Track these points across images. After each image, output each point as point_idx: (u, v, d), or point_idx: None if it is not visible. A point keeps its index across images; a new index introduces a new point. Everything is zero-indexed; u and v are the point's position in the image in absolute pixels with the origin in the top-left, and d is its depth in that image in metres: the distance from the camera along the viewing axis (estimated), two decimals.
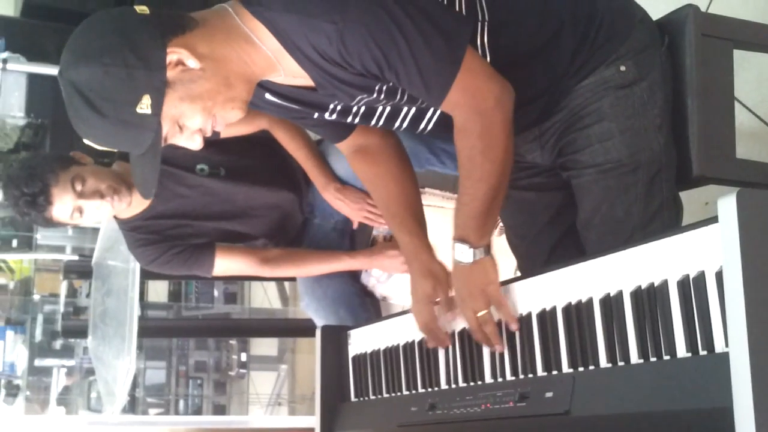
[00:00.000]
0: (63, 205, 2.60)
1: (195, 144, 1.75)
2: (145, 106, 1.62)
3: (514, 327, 1.66)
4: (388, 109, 1.90)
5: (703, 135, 1.91)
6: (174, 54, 1.63)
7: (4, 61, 3.86)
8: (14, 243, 5.18)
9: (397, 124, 1.96)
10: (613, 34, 1.88)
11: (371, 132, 2.07)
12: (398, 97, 1.80)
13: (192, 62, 1.65)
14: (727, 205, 1.19)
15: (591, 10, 1.88)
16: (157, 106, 1.63)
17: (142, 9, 1.66)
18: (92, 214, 2.66)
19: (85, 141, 1.71)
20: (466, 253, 1.76)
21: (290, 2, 1.64)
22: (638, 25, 1.91)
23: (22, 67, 3.92)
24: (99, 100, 1.62)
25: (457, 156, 1.77)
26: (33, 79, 4.15)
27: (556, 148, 1.97)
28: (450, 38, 1.68)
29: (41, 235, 5.17)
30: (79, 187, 2.59)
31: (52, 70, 3.91)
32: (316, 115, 1.93)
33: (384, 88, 1.76)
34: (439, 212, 2.82)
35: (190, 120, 1.69)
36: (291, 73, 1.75)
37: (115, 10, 1.69)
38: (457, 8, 1.79)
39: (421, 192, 2.79)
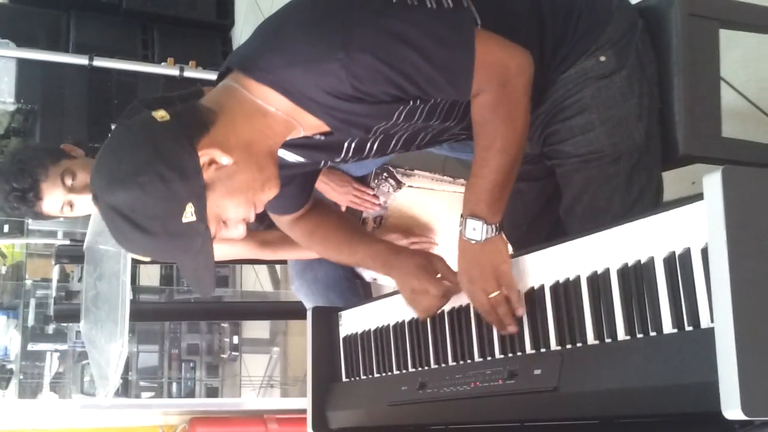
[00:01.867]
0: (53, 199, 2.57)
1: (240, 232, 1.69)
2: (189, 214, 1.57)
3: (519, 313, 1.63)
4: (405, 135, 1.88)
5: (689, 114, 1.92)
6: (205, 155, 1.58)
7: None
8: (6, 228, 5.17)
9: (412, 148, 1.97)
10: (592, 26, 1.88)
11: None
12: (416, 117, 1.77)
13: (224, 159, 1.59)
14: (713, 181, 1.19)
15: (569, 4, 1.88)
16: (201, 211, 1.58)
17: (161, 115, 1.59)
18: (83, 208, 2.65)
19: (133, 256, 1.67)
20: (478, 230, 1.70)
21: (289, 55, 1.61)
22: (616, 13, 1.90)
23: (11, 53, 3.91)
24: (144, 220, 1.56)
25: (476, 128, 1.73)
26: (22, 64, 4.13)
27: (541, 138, 1.98)
28: (454, 26, 1.65)
29: (33, 221, 5.17)
30: (69, 182, 2.57)
31: (41, 56, 3.91)
32: (322, 163, 1.92)
33: (404, 111, 1.72)
34: (429, 194, 2.83)
35: (233, 212, 1.64)
36: (310, 126, 1.71)
37: (135, 123, 1.62)
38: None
39: (410, 174, 2.82)
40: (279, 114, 1.66)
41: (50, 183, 2.55)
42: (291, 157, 1.87)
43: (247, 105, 1.65)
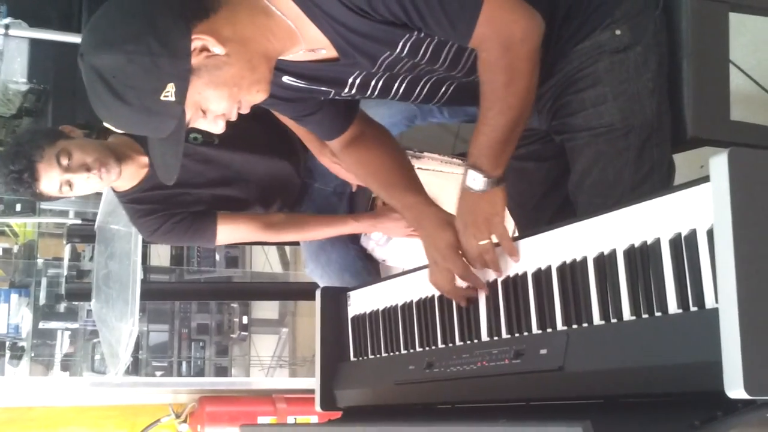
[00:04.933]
0: (50, 180, 2.62)
1: (217, 128, 1.72)
2: (169, 94, 1.59)
3: (515, 259, 1.67)
4: (407, 80, 1.90)
5: (698, 97, 1.93)
6: (199, 41, 1.60)
7: (6, 26, 3.86)
8: (18, 207, 5.20)
9: (414, 94, 1.97)
10: None
11: (363, 124, 2.09)
12: (421, 54, 1.78)
13: (217, 48, 1.62)
14: (719, 163, 1.20)
15: None
16: (181, 93, 1.61)
17: None
18: (82, 187, 2.68)
19: (105, 124, 1.68)
20: (477, 181, 1.74)
21: None
22: None
23: (24, 33, 3.92)
24: (122, 88, 1.59)
25: (480, 87, 1.75)
26: (35, 44, 4.14)
27: (551, 111, 1.99)
28: None
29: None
30: (65, 162, 2.61)
31: (54, 36, 3.92)
32: (332, 94, 1.92)
33: (409, 42, 1.74)
34: (439, 176, 2.84)
35: (215, 105, 1.67)
36: (312, 43, 1.73)
37: None
38: None
39: (420, 156, 2.83)
40: (283, 19, 1.68)
41: (45, 163, 2.60)
42: (297, 84, 1.89)
43: (254, 3, 1.67)
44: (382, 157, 2.08)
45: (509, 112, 1.72)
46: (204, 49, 1.62)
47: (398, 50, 1.76)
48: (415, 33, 1.72)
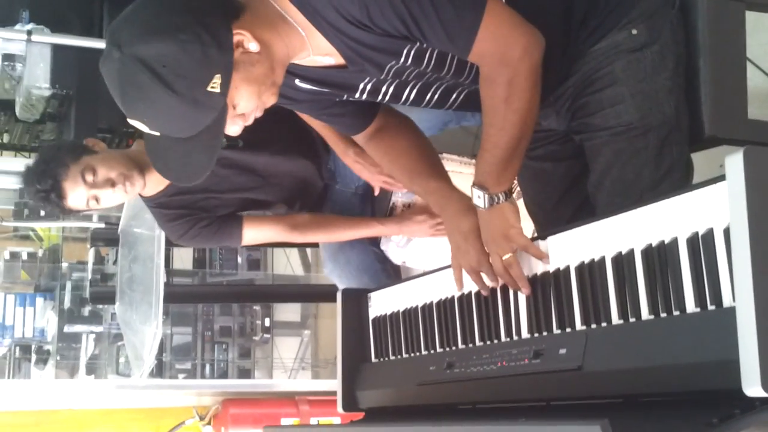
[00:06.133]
0: (76, 196, 2.66)
1: (236, 128, 1.73)
2: (216, 85, 1.60)
3: (545, 262, 1.66)
4: (417, 87, 1.92)
5: (715, 96, 1.93)
6: (239, 35, 1.63)
7: (29, 33, 3.89)
8: (42, 212, 5.24)
9: (425, 101, 1.99)
10: None
11: (386, 116, 2.10)
12: (425, 62, 1.80)
13: (253, 45, 1.65)
14: (735, 162, 1.21)
15: None
16: (226, 86, 1.62)
17: None
18: (108, 201, 2.71)
19: (131, 122, 1.64)
20: (482, 199, 1.77)
21: None
22: None
23: (46, 39, 3.95)
24: (172, 77, 1.57)
25: (481, 104, 1.77)
26: (57, 50, 4.17)
27: (570, 112, 1.99)
28: None
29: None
30: (90, 178, 2.64)
31: (76, 42, 3.94)
32: (344, 97, 1.94)
33: (412, 51, 1.76)
34: (458, 177, 2.83)
35: (245, 101, 1.68)
36: (319, 50, 1.76)
37: None
38: None
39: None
40: (295, 26, 1.70)
41: (71, 182, 2.63)
42: (309, 87, 1.91)
43: (270, 9, 1.70)
44: (405, 146, 2.11)
45: (510, 128, 1.73)
46: (240, 44, 1.64)
47: (403, 59, 1.78)
48: (417, 43, 1.74)
